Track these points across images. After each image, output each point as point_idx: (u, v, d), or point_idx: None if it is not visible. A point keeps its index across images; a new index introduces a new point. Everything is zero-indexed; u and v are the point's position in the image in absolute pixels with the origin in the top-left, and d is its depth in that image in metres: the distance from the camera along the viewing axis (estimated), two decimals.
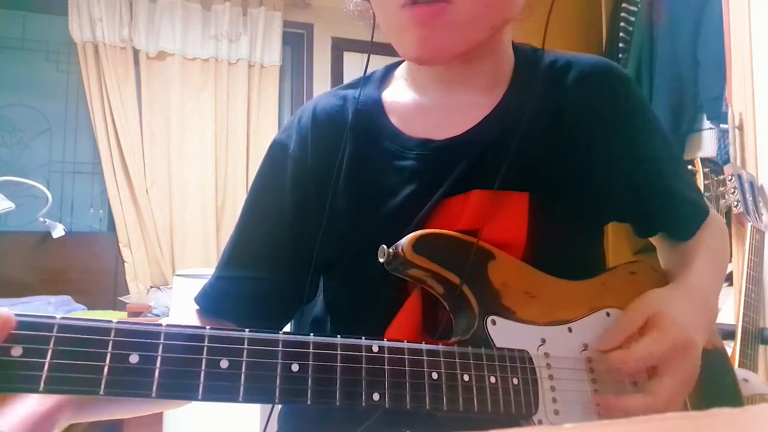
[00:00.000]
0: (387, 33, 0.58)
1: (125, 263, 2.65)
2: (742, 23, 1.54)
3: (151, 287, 2.62)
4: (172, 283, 2.47)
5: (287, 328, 0.88)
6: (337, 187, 0.62)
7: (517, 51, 0.66)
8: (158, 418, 1.93)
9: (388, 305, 0.59)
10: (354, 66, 3.15)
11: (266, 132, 2.92)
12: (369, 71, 0.70)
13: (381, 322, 0.57)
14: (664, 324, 0.53)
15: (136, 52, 2.71)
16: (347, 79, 3.14)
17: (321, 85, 3.08)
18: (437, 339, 0.56)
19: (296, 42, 3.11)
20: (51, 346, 0.37)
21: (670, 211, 0.68)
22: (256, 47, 2.89)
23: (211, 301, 0.67)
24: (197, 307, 0.68)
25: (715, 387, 0.56)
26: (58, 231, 2.43)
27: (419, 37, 0.53)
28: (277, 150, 0.68)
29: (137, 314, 2.32)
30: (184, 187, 2.74)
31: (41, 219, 2.38)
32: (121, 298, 2.56)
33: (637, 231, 0.72)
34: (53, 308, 2.26)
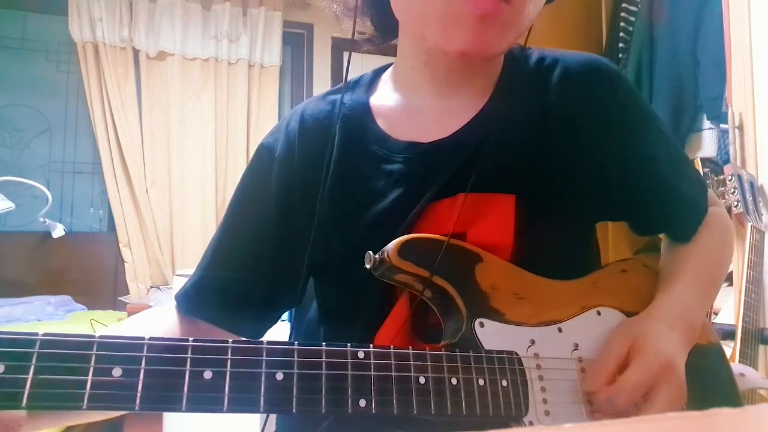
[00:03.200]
0: (425, 21, 0.55)
1: (125, 263, 2.65)
2: (742, 23, 1.54)
3: (151, 287, 2.63)
4: (172, 283, 2.47)
5: (286, 328, 0.88)
6: (324, 191, 0.62)
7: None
8: (158, 418, 1.93)
9: (378, 309, 0.58)
10: (354, 66, 3.14)
11: (266, 132, 2.91)
12: (359, 74, 0.70)
13: (372, 326, 0.57)
14: (645, 350, 0.52)
15: (136, 52, 2.71)
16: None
17: (321, 85, 3.08)
18: (427, 342, 0.55)
19: (296, 42, 3.11)
20: (33, 362, 0.37)
21: (666, 210, 0.67)
22: (256, 47, 2.89)
23: (191, 301, 0.66)
24: (175, 304, 0.67)
25: (712, 382, 0.56)
26: (58, 231, 2.43)
27: (475, 30, 0.52)
28: (263, 153, 0.68)
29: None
30: (184, 187, 2.74)
31: (41, 219, 2.38)
32: (121, 298, 2.56)
33: (633, 230, 0.70)
34: (53, 308, 2.26)
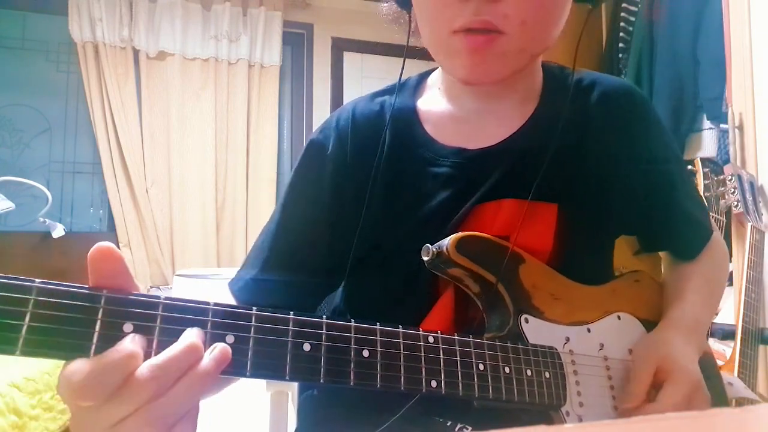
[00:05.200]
0: (434, 51, 0.61)
1: None
2: (742, 23, 1.54)
3: (151, 287, 2.62)
4: (172, 283, 2.47)
5: None
6: (374, 188, 0.65)
7: (545, 69, 0.70)
8: None
9: (419, 304, 0.62)
10: (354, 66, 3.14)
11: (266, 132, 2.91)
12: (401, 77, 0.73)
13: (411, 319, 0.59)
14: (674, 370, 0.57)
15: (136, 52, 2.71)
16: (347, 79, 3.14)
17: (321, 85, 3.08)
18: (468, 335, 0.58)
19: (296, 42, 3.11)
20: (29, 308, 0.36)
21: (677, 229, 0.72)
22: (256, 47, 2.89)
23: (251, 295, 0.68)
24: (232, 293, 0.69)
25: (709, 389, 0.60)
26: (58, 231, 2.43)
27: (470, 62, 0.56)
28: (314, 151, 0.70)
29: None
30: (184, 187, 2.74)
31: (41, 219, 2.38)
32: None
33: (643, 245, 0.75)
34: None
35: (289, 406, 1.16)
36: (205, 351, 0.39)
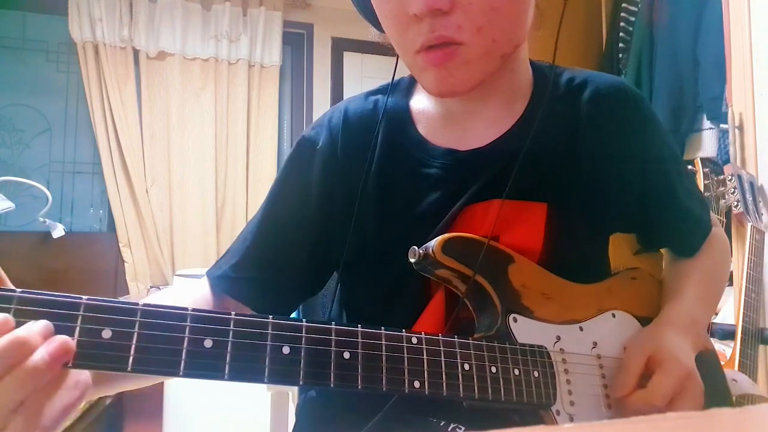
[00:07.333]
0: (409, 69, 0.62)
1: (125, 263, 2.65)
2: (742, 23, 1.54)
3: (151, 287, 2.62)
4: (172, 283, 2.47)
5: None
6: (365, 188, 0.65)
7: (534, 68, 0.70)
8: (158, 417, 1.93)
9: (411, 305, 0.62)
10: (354, 66, 3.14)
11: (266, 132, 2.91)
12: (394, 76, 0.73)
13: (402, 321, 0.59)
14: (665, 359, 0.57)
15: (136, 52, 2.71)
16: (347, 79, 3.14)
17: (321, 85, 3.08)
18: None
19: (296, 42, 3.11)
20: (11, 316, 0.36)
21: (674, 226, 0.72)
22: (256, 47, 2.89)
23: (229, 285, 0.67)
24: (208, 282, 0.68)
25: (709, 386, 0.59)
26: (58, 231, 2.43)
27: (436, 77, 0.57)
28: (305, 146, 0.70)
29: None
30: (184, 187, 2.74)
31: (41, 219, 2.38)
32: (121, 299, 2.55)
33: (641, 243, 0.75)
34: None
35: (290, 407, 1.16)
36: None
